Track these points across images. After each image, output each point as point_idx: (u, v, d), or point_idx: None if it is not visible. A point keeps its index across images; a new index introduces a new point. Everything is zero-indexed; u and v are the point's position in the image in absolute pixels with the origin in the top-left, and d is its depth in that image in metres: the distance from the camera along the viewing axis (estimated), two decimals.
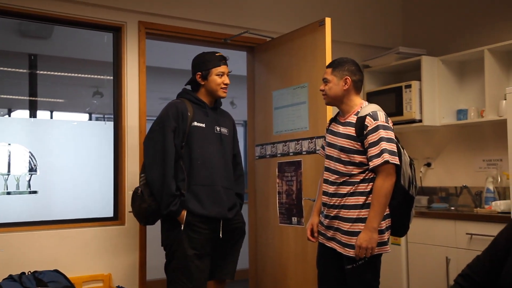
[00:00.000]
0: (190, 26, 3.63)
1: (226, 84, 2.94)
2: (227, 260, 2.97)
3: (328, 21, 3.21)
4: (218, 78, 2.92)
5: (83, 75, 3.86)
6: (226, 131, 3.01)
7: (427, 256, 3.70)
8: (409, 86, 3.99)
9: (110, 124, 3.45)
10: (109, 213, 3.40)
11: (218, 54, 2.97)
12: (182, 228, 2.80)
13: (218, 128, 2.95)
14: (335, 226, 2.66)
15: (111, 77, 3.48)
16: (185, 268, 2.80)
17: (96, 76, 3.88)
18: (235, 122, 3.17)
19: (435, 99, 4.01)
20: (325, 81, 2.74)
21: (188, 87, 3.04)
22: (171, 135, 2.81)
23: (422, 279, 3.73)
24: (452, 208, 3.97)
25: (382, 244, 2.60)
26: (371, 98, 4.29)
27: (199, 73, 2.94)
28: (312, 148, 3.30)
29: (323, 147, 2.89)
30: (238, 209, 3.00)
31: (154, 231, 3.24)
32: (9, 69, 3.56)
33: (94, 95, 4.03)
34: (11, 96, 3.64)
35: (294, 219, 3.39)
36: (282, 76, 3.59)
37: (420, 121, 3.97)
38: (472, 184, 3.97)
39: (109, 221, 3.35)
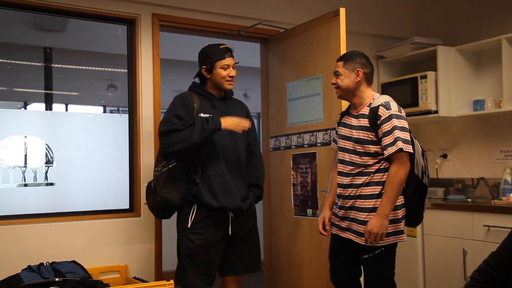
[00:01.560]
0: (203, 18, 3.62)
1: (231, 77, 2.92)
2: (239, 256, 2.95)
3: (342, 11, 3.18)
4: (223, 71, 2.89)
5: (97, 68, 3.89)
6: None
7: (443, 248, 3.67)
8: (424, 77, 3.95)
9: (125, 117, 3.47)
10: (125, 204, 3.42)
11: (223, 46, 2.94)
12: (189, 225, 2.81)
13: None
14: (351, 216, 2.68)
15: (125, 70, 3.49)
16: (181, 264, 2.84)
17: (110, 69, 3.90)
18: (249, 111, 3.14)
19: (451, 90, 3.96)
20: (337, 74, 2.76)
21: (197, 79, 3.04)
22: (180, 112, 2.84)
23: (439, 271, 3.71)
24: (469, 200, 3.93)
25: (398, 233, 2.63)
26: (386, 89, 4.25)
27: (204, 66, 2.93)
28: (327, 139, 3.28)
29: (334, 141, 2.92)
30: (251, 201, 2.98)
31: (170, 222, 3.26)
32: (25, 63, 3.59)
33: (108, 88, 4.05)
34: (27, 90, 3.67)
35: (309, 211, 3.39)
36: (296, 67, 3.57)
37: (436, 112, 3.93)
38: (489, 176, 3.93)
39: (125, 213, 3.37)
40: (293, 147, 3.57)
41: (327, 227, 2.84)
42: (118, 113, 3.89)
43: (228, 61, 2.90)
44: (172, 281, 2.85)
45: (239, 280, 3.03)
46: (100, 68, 3.90)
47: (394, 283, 2.72)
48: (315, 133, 3.38)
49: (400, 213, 2.64)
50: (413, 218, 2.74)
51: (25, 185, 3.21)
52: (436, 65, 3.94)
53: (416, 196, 2.67)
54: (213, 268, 2.87)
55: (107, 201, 3.41)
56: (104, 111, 4.08)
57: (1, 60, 3.49)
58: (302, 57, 3.51)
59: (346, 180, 2.71)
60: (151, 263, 3.39)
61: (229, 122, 2.80)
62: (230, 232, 2.86)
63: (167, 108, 2.89)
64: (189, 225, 2.82)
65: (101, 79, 4.03)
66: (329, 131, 3.27)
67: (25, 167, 3.21)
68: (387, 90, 4.23)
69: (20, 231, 3.03)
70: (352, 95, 2.75)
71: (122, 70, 3.56)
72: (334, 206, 2.83)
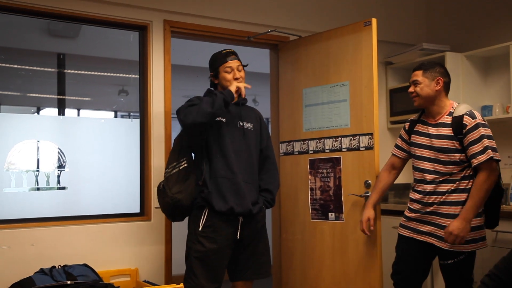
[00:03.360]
0: (213, 24, 3.67)
1: (236, 79, 2.96)
2: (248, 261, 2.97)
3: (374, 21, 3.29)
4: (227, 74, 2.95)
5: (109, 74, 3.93)
6: (250, 126, 3.03)
7: None
8: None
9: (136, 122, 3.51)
10: (136, 208, 3.46)
11: (225, 51, 3.01)
12: (200, 228, 2.84)
13: (241, 123, 2.98)
14: (434, 222, 2.75)
15: (137, 76, 3.54)
16: (190, 267, 2.86)
17: (121, 75, 3.94)
18: (263, 117, 3.19)
19: (459, 95, 3.97)
20: (415, 83, 2.82)
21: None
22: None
23: None
24: None
25: (483, 239, 2.73)
26: (394, 94, 4.27)
27: (211, 73, 3.03)
28: (355, 145, 3.35)
29: (397, 147, 3.02)
30: (260, 206, 2.98)
31: (180, 226, 3.30)
32: (38, 68, 3.64)
33: (119, 93, 4.10)
34: (40, 95, 3.73)
35: (331, 215, 3.44)
36: (315, 74, 3.62)
37: None
38: None
39: (135, 217, 3.41)
40: (311, 152, 3.61)
41: (372, 228, 2.97)
42: (129, 118, 3.94)
43: (230, 63, 2.96)
44: (182, 285, 2.87)
45: (248, 285, 3.05)
46: (112, 74, 3.95)
47: None
48: (340, 138, 3.44)
49: (482, 220, 2.75)
50: (492, 220, 2.83)
51: (38, 189, 3.25)
52: None
53: (495, 200, 2.77)
54: (222, 271, 2.90)
55: (118, 205, 3.44)
56: (115, 116, 4.12)
57: (16, 66, 3.54)
58: (322, 64, 3.57)
59: (429, 188, 2.76)
60: (161, 267, 3.42)
61: (235, 85, 2.87)
62: (238, 236, 2.88)
63: (186, 102, 2.92)
64: (200, 229, 2.85)
65: (113, 84, 4.08)
66: (357, 137, 3.33)
67: (38, 171, 3.26)
68: (396, 95, 4.26)
69: (32, 235, 3.07)
70: (431, 103, 2.81)
71: (133, 75, 3.61)
72: (409, 210, 2.87)
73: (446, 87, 2.82)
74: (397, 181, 4.06)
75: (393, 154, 3.05)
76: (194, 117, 2.76)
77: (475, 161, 2.63)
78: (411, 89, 2.84)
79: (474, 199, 2.62)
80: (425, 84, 2.79)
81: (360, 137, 3.32)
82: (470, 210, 2.62)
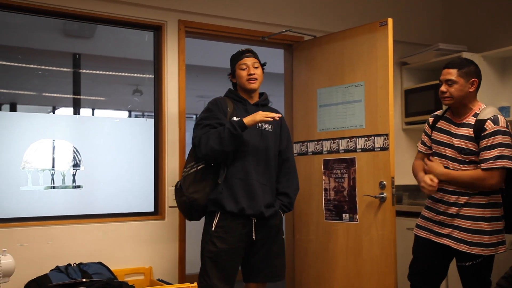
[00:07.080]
0: (228, 24, 3.67)
1: (250, 75, 2.95)
2: (261, 264, 2.96)
3: (390, 21, 3.27)
4: (242, 71, 2.96)
5: (124, 74, 3.96)
6: (269, 127, 3.01)
7: None
8: None
9: (151, 121, 3.53)
10: (150, 208, 3.47)
11: (242, 49, 3.03)
12: (213, 228, 2.84)
13: (260, 124, 2.96)
14: (454, 224, 2.70)
15: (151, 76, 3.56)
16: (204, 267, 2.87)
17: (136, 75, 3.97)
18: (284, 120, 3.18)
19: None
20: (450, 82, 2.68)
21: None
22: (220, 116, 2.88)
23: None
24: None
25: (501, 243, 2.69)
26: (409, 95, 4.24)
27: (230, 73, 3.04)
28: (369, 146, 3.34)
29: (423, 143, 2.94)
30: (276, 209, 2.96)
31: (194, 226, 3.31)
32: (54, 68, 3.68)
33: (134, 93, 4.12)
34: (56, 94, 3.76)
35: (345, 216, 3.43)
36: (329, 74, 3.61)
37: None
38: None
39: (150, 216, 3.43)
40: (325, 152, 3.60)
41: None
42: (143, 117, 3.96)
43: (246, 60, 2.96)
44: (195, 284, 2.88)
45: (261, 287, 3.05)
46: (126, 74, 3.97)
47: None
48: (354, 139, 3.43)
49: (502, 224, 2.70)
50: (510, 225, 2.77)
51: (54, 187, 3.28)
52: None
53: None
54: (234, 272, 2.90)
55: (133, 204, 3.46)
56: (130, 116, 4.14)
57: (32, 66, 3.58)
58: (337, 64, 3.56)
59: (450, 188, 2.72)
60: (175, 266, 3.43)
61: (251, 118, 2.80)
62: (254, 237, 2.88)
63: (202, 114, 2.94)
64: (213, 229, 2.85)
65: (127, 84, 4.10)
66: (372, 138, 3.32)
67: (54, 170, 3.29)
68: (411, 96, 4.22)
69: (48, 233, 3.10)
70: (461, 104, 2.71)
71: (148, 75, 3.63)
72: (427, 210, 2.83)
73: (478, 88, 2.73)
74: (410, 182, 4.03)
75: (419, 151, 2.96)
76: (204, 151, 2.80)
77: (483, 165, 2.59)
78: (443, 89, 2.69)
79: (463, 177, 2.63)
80: (460, 84, 2.65)
81: (375, 137, 3.31)
82: (449, 175, 2.68)
